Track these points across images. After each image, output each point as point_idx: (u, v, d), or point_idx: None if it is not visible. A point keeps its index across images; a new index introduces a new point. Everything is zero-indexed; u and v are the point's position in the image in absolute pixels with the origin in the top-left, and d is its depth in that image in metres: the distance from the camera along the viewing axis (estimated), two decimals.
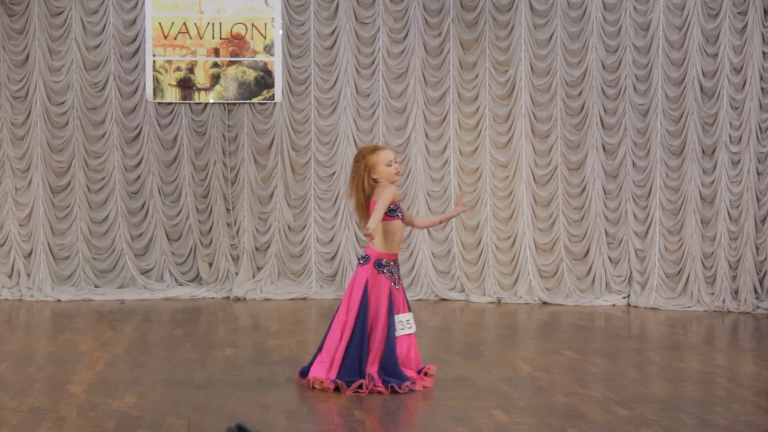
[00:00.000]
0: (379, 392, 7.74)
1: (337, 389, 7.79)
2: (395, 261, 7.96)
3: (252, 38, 13.08)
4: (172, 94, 13.08)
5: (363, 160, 7.85)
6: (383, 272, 7.85)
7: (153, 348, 9.78)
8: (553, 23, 13.00)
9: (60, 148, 13.05)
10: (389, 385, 7.74)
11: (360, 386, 7.73)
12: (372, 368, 7.78)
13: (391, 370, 7.80)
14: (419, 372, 8.07)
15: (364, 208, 7.85)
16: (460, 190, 13.13)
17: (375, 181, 7.83)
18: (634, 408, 7.41)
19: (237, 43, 13.09)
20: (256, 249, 13.24)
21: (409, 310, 8.04)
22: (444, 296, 13.04)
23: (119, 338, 10.22)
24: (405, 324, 7.94)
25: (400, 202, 7.97)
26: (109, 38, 13.00)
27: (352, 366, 7.80)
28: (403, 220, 7.98)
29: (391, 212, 7.83)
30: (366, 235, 7.61)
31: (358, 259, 7.93)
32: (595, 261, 12.97)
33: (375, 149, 7.90)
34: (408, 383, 7.79)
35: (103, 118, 13.08)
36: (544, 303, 12.86)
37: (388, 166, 7.83)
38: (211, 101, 13.13)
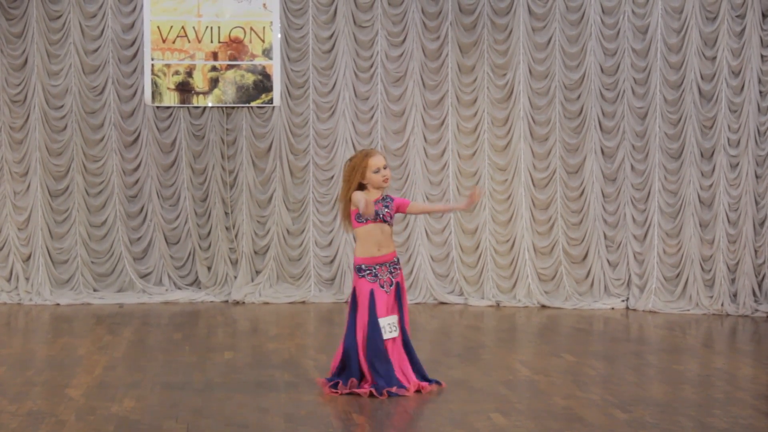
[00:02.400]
0: (356, 394, 7.79)
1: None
2: (381, 264, 7.97)
3: (250, 42, 13.09)
4: (170, 98, 13.08)
5: (354, 164, 7.95)
6: (364, 276, 7.96)
7: (152, 352, 9.78)
8: (551, 27, 13.01)
9: (59, 152, 13.05)
10: (371, 389, 7.78)
11: (335, 385, 7.86)
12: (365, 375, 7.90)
13: (382, 371, 7.84)
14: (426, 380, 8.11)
15: (350, 213, 7.99)
16: (459, 193, 13.13)
17: (363, 186, 7.95)
18: (632, 411, 7.41)
19: (235, 47, 13.09)
20: (255, 252, 13.24)
21: (399, 314, 8.04)
22: (443, 300, 13.04)
23: (118, 342, 10.22)
24: (388, 327, 7.96)
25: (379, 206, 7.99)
26: (107, 42, 13.00)
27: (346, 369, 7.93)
28: (386, 222, 7.98)
29: (358, 217, 7.91)
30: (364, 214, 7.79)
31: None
32: (593, 264, 12.97)
33: (366, 155, 8.02)
34: (394, 388, 7.80)
35: (101, 122, 13.08)
36: (543, 306, 12.86)
37: (376, 173, 7.95)
38: (210, 105, 13.13)
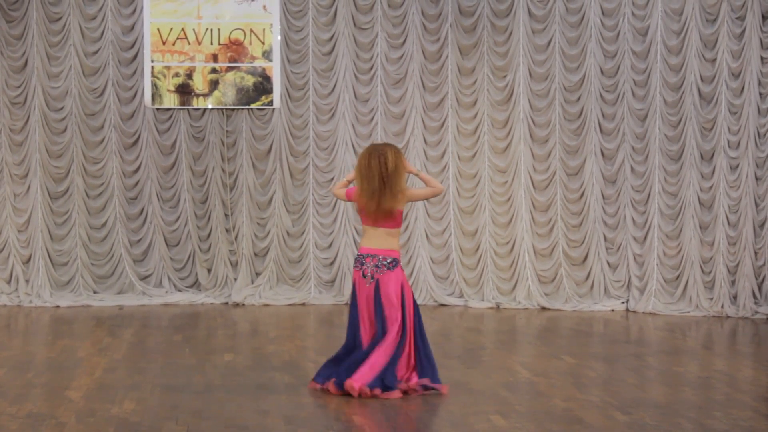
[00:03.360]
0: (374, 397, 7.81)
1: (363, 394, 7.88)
2: None
3: (250, 44, 13.09)
4: (170, 100, 13.08)
5: (401, 156, 7.96)
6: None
7: (152, 354, 9.78)
8: (551, 28, 13.01)
9: (59, 154, 13.05)
10: (420, 385, 7.91)
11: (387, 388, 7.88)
12: (402, 373, 7.93)
13: (432, 364, 8.00)
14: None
15: (393, 195, 7.85)
16: (459, 194, 13.13)
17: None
18: (632, 413, 7.41)
19: (235, 49, 13.09)
20: (255, 254, 13.24)
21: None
22: (443, 302, 13.04)
23: (118, 344, 10.22)
24: None
25: None
26: (107, 44, 13.00)
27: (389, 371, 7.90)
28: None
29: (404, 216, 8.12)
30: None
31: (386, 264, 7.95)
32: (593, 266, 12.97)
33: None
34: (428, 381, 7.96)
35: (101, 124, 13.08)
36: (543, 308, 12.85)
37: None
38: (210, 107, 13.13)
